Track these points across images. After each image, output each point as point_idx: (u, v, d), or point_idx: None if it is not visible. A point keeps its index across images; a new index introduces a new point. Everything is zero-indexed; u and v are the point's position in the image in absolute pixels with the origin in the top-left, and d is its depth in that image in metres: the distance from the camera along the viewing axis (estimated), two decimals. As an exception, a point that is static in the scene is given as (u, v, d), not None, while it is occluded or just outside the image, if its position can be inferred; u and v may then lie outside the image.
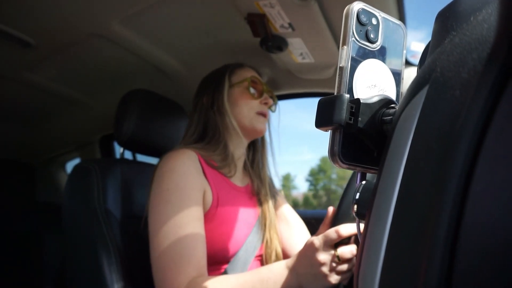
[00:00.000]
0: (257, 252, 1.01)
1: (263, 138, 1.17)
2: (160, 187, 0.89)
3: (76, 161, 2.39)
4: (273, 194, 1.15)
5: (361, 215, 0.33)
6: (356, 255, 0.75)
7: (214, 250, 0.92)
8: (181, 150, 0.96)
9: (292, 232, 1.13)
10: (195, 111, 1.09)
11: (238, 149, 1.08)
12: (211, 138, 1.04)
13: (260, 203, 1.09)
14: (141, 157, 1.48)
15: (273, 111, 1.15)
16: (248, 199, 1.07)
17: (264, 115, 1.06)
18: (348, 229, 0.74)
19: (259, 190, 1.10)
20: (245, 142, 1.08)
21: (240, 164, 1.10)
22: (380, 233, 0.25)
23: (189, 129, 1.08)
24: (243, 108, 1.04)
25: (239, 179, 1.09)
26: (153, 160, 1.39)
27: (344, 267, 0.75)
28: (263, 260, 1.05)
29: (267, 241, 1.05)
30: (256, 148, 1.17)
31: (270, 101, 1.08)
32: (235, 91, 1.06)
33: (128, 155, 1.59)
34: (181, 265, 0.80)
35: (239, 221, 0.98)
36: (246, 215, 1.02)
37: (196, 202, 0.89)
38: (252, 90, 1.06)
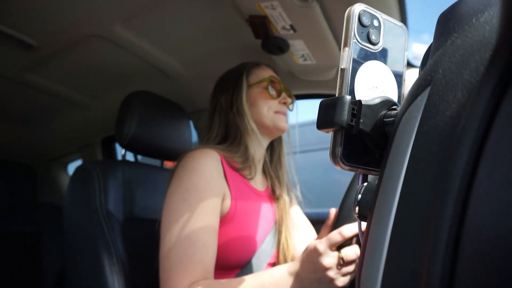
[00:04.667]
0: (270, 259, 1.00)
1: (280, 138, 1.15)
2: (180, 186, 0.88)
3: (78, 162, 2.39)
4: (290, 196, 1.13)
5: (363, 217, 0.33)
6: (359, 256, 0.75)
7: (228, 255, 0.90)
8: (204, 150, 0.94)
9: (301, 237, 1.11)
10: (215, 113, 1.07)
11: (258, 150, 1.06)
12: (233, 140, 1.02)
13: (278, 207, 1.08)
14: (143, 158, 1.48)
15: (291, 110, 1.13)
16: (266, 204, 1.05)
17: (283, 114, 1.05)
18: (351, 229, 0.74)
19: (279, 192, 1.09)
20: (264, 143, 1.06)
21: (260, 166, 1.08)
22: (382, 234, 0.25)
23: (211, 131, 1.05)
24: (262, 108, 1.02)
25: (259, 183, 1.07)
26: (155, 162, 1.39)
27: (349, 268, 0.75)
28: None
29: (283, 247, 1.03)
30: (274, 149, 1.15)
31: (289, 100, 1.06)
32: (253, 91, 1.04)
33: (130, 156, 1.59)
34: (188, 268, 0.79)
35: (255, 227, 0.97)
36: (263, 221, 1.00)
37: (213, 207, 0.87)
38: (271, 90, 1.04)
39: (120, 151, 2.11)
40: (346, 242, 0.75)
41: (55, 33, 1.18)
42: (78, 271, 1.05)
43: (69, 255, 1.09)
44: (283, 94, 1.06)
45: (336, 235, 0.74)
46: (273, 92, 1.05)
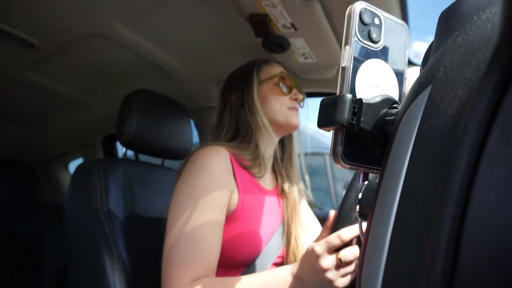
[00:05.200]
0: (275, 259, 0.99)
1: (291, 136, 1.14)
2: (188, 183, 0.87)
3: (79, 161, 2.40)
4: (300, 196, 1.12)
5: (364, 215, 0.33)
6: (358, 256, 0.75)
7: (233, 253, 0.90)
8: (214, 147, 0.94)
9: (308, 236, 1.10)
10: (225, 110, 1.06)
11: (269, 148, 1.05)
12: (244, 137, 1.01)
13: (287, 205, 1.07)
14: (144, 157, 1.48)
15: (302, 107, 1.11)
16: (274, 203, 1.04)
17: (295, 110, 1.04)
18: (349, 232, 0.74)
19: (288, 191, 1.08)
20: (275, 140, 1.05)
21: (269, 164, 1.07)
22: (382, 233, 0.25)
23: (221, 129, 1.04)
24: (274, 104, 1.01)
25: (268, 181, 1.06)
26: (155, 160, 1.40)
27: (348, 269, 0.75)
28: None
29: (293, 247, 1.02)
30: (285, 146, 1.14)
31: (300, 96, 1.05)
32: (264, 88, 1.04)
33: (130, 155, 1.59)
34: (191, 265, 0.79)
35: (261, 226, 0.96)
36: (270, 220, 1.00)
37: (220, 205, 0.87)
38: (282, 86, 1.03)
39: (120, 150, 2.12)
40: (346, 243, 0.75)
41: (56, 32, 1.18)
42: (78, 270, 1.06)
43: (69, 254, 1.09)
44: (294, 90, 1.05)
45: (335, 239, 0.74)
46: (284, 88, 1.04)
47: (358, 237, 0.77)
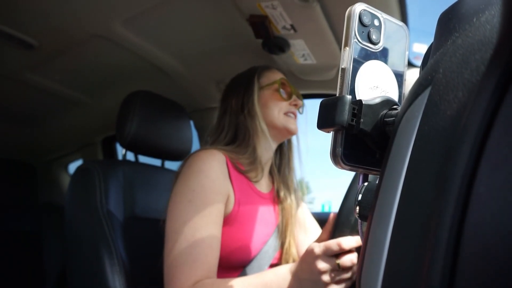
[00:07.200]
0: (272, 260, 1.00)
1: (289, 142, 1.15)
2: (186, 187, 0.89)
3: (79, 162, 2.40)
4: (298, 202, 1.12)
5: (363, 217, 0.33)
6: (357, 262, 0.75)
7: (230, 255, 0.91)
8: (211, 151, 0.95)
9: (309, 241, 1.10)
10: (225, 115, 1.07)
11: (267, 153, 1.06)
12: (242, 141, 1.02)
13: (282, 210, 1.07)
14: (143, 159, 1.48)
15: (301, 113, 1.12)
16: (270, 206, 1.05)
17: (293, 114, 1.05)
18: (350, 242, 0.74)
19: (284, 197, 1.08)
20: (273, 146, 1.06)
21: (266, 168, 1.08)
22: (382, 234, 0.25)
23: (220, 133, 1.05)
24: (273, 109, 1.03)
25: (264, 185, 1.07)
26: (155, 162, 1.39)
27: (345, 275, 0.76)
28: None
29: (286, 249, 1.03)
30: (283, 152, 1.15)
31: (300, 103, 1.07)
32: (265, 93, 1.05)
33: (130, 156, 1.59)
34: (193, 267, 0.80)
35: (257, 228, 0.97)
36: (266, 223, 1.01)
37: (218, 208, 0.88)
38: (282, 92, 1.04)
39: (120, 151, 2.11)
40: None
41: (56, 33, 1.19)
42: (78, 271, 1.05)
43: (69, 255, 1.09)
44: (294, 97, 1.06)
45: (334, 245, 0.74)
46: (284, 94, 1.05)
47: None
